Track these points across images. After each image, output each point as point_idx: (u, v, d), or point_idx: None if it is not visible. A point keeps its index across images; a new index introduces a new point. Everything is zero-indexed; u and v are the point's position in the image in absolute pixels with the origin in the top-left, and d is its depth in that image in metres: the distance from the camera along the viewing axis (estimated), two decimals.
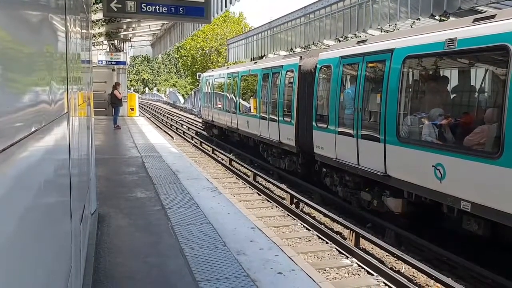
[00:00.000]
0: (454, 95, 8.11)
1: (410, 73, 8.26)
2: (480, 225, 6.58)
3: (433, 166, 6.98)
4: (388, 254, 7.59)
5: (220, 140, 21.30)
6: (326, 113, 10.52)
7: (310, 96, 11.38)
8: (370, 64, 9.00)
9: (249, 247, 5.32)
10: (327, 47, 15.42)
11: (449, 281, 6.31)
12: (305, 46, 19.11)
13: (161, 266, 4.71)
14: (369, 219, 9.10)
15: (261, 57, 22.21)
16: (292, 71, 12.72)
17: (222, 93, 20.19)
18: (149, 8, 6.32)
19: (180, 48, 59.71)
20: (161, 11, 6.39)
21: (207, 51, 52.16)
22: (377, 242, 7.84)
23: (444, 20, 11.47)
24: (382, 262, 7.27)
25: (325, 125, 10.41)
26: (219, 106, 20.69)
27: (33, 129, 1.35)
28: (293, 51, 19.25)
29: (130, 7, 6.26)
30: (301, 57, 12.59)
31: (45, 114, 1.60)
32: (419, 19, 12.51)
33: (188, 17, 6.88)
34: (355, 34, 15.72)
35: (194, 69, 52.80)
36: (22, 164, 1.27)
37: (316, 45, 18.75)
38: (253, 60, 21.65)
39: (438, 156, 6.94)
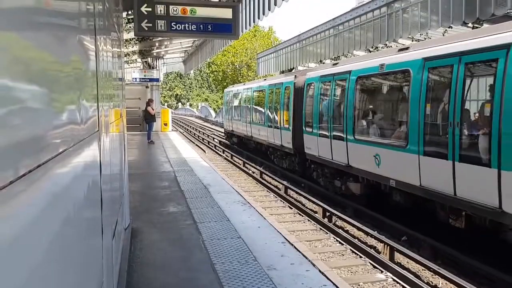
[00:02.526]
0: (386, 104, 10.87)
1: (360, 88, 10.98)
2: (402, 196, 9.17)
3: (374, 156, 9.68)
4: (424, 268, 7.38)
5: (239, 147, 24.15)
6: (311, 120, 13.42)
7: (301, 107, 14.24)
8: (337, 82, 11.97)
9: (280, 262, 5.27)
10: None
11: None
12: (334, 57, 19.03)
13: (193, 281, 4.73)
14: (404, 232, 8.88)
15: (291, 70, 22.30)
16: (289, 87, 15.79)
17: (239, 106, 23.88)
18: (178, 27, 6.48)
19: (211, 64, 60.61)
20: (190, 29, 6.54)
21: (237, 66, 52.72)
22: (413, 256, 7.64)
23: (477, 27, 11.18)
24: (418, 277, 7.07)
25: (311, 130, 13.38)
26: (237, 117, 24.27)
27: (62, 149, 1.38)
28: (323, 63, 19.22)
29: (160, 26, 6.43)
30: (295, 75, 15.66)
31: (75, 133, 1.64)
32: (451, 27, 12.26)
33: (217, 34, 7.03)
34: (386, 44, 15.54)
35: (225, 84, 53.40)
36: (52, 182, 1.31)
37: (346, 56, 18.64)
38: (283, 73, 22.11)
39: (376, 149, 9.67)
